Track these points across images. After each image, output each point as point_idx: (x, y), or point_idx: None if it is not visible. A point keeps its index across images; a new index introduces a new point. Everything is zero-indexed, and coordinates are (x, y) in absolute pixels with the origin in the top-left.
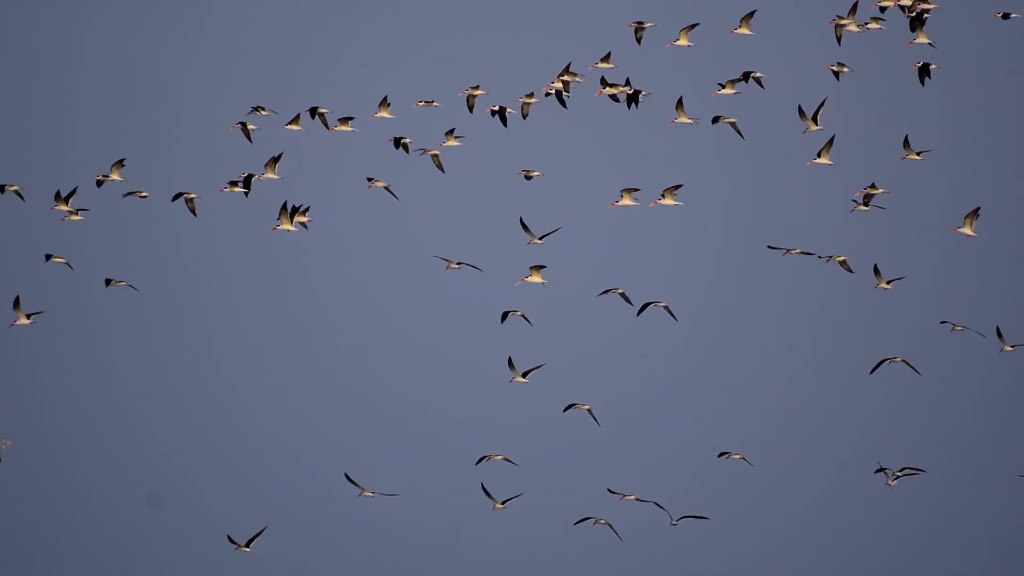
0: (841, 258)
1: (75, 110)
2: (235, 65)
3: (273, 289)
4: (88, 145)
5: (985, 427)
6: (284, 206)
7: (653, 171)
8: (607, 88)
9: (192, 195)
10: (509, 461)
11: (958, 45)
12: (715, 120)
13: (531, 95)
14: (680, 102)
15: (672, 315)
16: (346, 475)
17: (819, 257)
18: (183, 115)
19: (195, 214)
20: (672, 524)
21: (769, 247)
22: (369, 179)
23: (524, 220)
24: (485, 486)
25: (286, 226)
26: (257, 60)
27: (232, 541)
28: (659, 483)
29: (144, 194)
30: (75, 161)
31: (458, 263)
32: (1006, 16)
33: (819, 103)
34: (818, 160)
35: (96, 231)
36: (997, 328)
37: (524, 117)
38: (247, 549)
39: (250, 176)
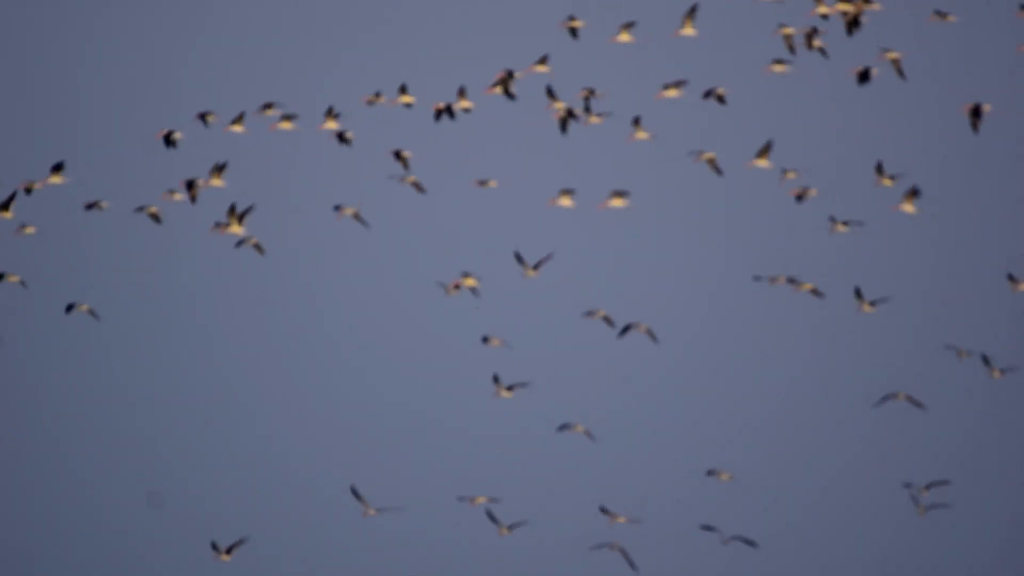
0: (810, 286)
1: (75, 110)
2: (235, 65)
3: (273, 289)
4: (88, 145)
5: (987, 437)
6: (232, 209)
7: (649, 178)
8: (560, 109)
9: (154, 208)
10: (494, 501)
11: (957, 47)
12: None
13: (462, 94)
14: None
15: (653, 337)
16: (352, 489)
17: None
18: (183, 115)
19: (159, 221)
20: (724, 543)
21: (754, 277)
22: (337, 208)
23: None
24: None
25: (235, 229)
26: (257, 60)
27: (215, 547)
28: (656, 497)
29: (105, 205)
30: (75, 161)
31: (456, 286)
32: (942, 15)
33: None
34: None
35: (96, 231)
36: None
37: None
38: (227, 557)
39: (192, 181)
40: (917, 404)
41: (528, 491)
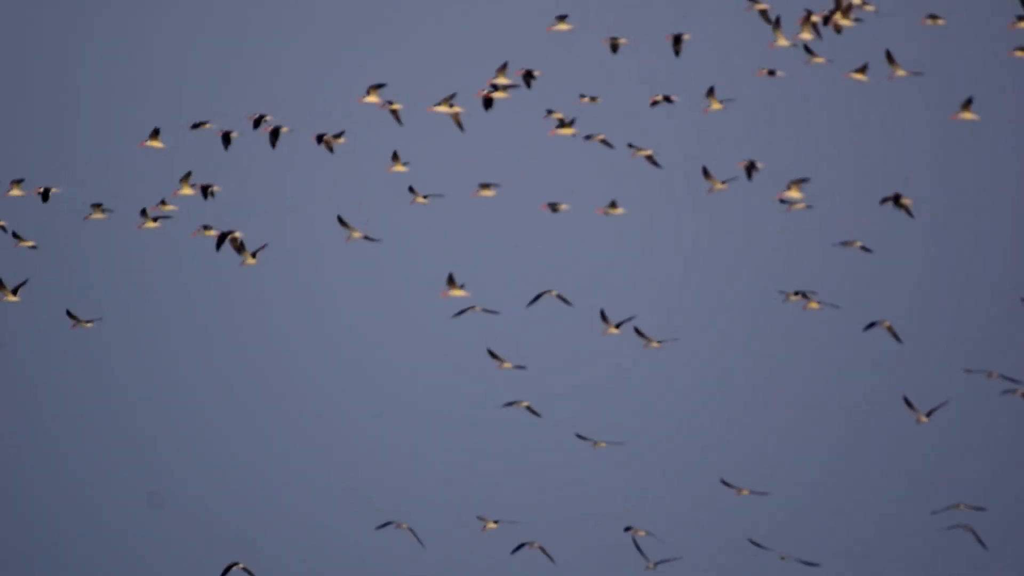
0: (816, 304)
1: (75, 111)
2: (235, 66)
3: (272, 289)
4: (88, 146)
5: (994, 448)
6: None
7: (651, 186)
8: (560, 129)
9: (153, 223)
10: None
11: (956, 49)
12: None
13: (449, 100)
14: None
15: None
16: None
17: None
18: (183, 116)
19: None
20: (782, 559)
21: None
22: (341, 222)
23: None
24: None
25: (248, 260)
26: (257, 61)
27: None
28: (664, 511)
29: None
30: (73, 163)
31: (481, 308)
32: (933, 18)
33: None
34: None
35: (96, 231)
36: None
37: (460, 127)
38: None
39: (207, 187)
40: (938, 407)
41: (535, 497)
